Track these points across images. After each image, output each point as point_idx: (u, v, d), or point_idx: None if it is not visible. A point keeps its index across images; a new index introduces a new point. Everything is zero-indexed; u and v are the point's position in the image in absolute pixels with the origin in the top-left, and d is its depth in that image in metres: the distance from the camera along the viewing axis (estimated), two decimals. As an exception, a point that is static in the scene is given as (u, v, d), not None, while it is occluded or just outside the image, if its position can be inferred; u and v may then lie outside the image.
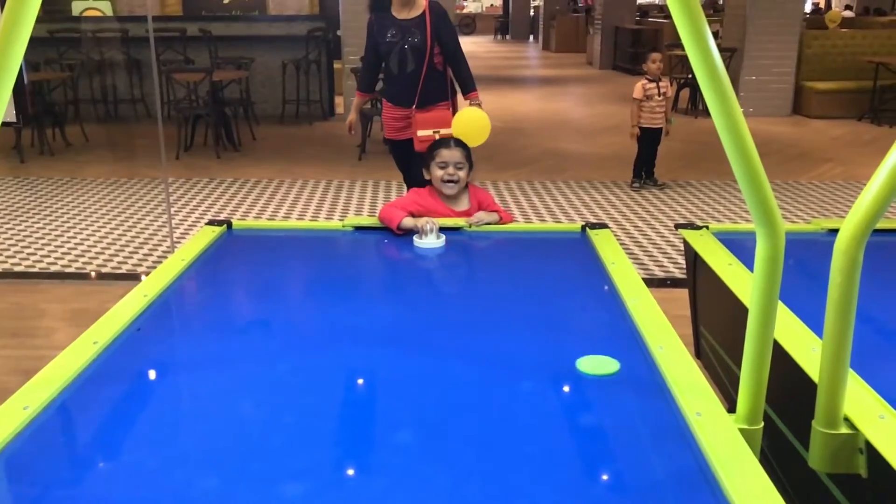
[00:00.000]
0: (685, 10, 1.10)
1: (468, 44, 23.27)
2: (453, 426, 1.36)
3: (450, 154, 2.67)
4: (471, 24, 28.57)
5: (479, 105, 4.01)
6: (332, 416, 1.42)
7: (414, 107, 4.07)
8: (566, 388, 1.55)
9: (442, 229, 2.41)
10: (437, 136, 3.49)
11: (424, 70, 3.99)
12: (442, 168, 2.67)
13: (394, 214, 2.46)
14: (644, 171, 6.14)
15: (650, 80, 5.85)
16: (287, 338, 1.76)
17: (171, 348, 1.71)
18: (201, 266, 2.15)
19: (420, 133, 3.93)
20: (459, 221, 2.53)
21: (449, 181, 2.67)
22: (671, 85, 6.08)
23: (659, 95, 5.86)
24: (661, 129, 5.97)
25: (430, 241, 2.34)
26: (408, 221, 2.43)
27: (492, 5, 31.11)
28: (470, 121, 3.50)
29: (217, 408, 1.45)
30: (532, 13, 25.90)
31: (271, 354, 1.66)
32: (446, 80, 4.16)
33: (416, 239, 2.36)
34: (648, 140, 6.01)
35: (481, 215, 2.57)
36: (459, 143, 2.75)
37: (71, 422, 1.42)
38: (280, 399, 1.47)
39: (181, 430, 1.38)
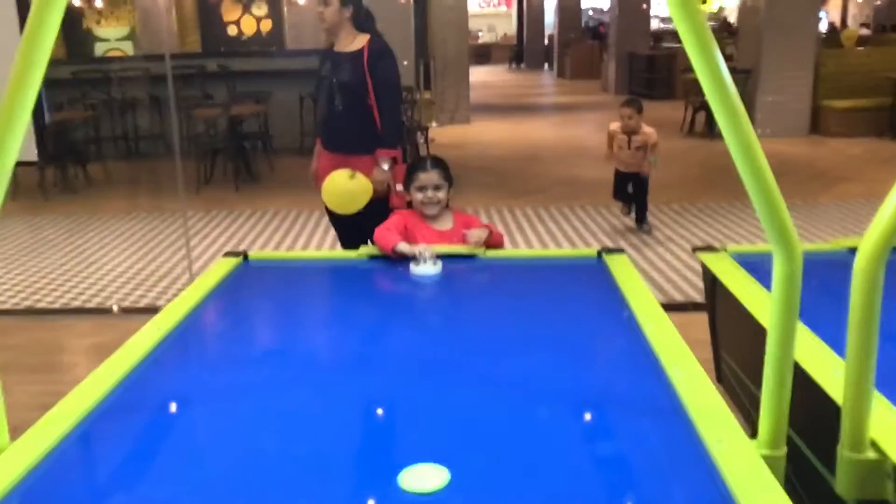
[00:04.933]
0: (694, 32, 1.09)
1: (483, 73, 23.62)
2: (470, 455, 1.34)
3: (427, 177, 2.69)
4: (486, 54, 28.83)
5: (386, 167, 3.44)
6: (348, 446, 1.40)
7: (332, 151, 3.57)
8: (585, 416, 1.53)
9: (458, 258, 2.40)
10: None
11: (355, 111, 3.47)
12: (421, 191, 2.68)
13: (388, 237, 2.47)
14: (637, 216, 5.62)
15: (624, 132, 5.35)
16: (302, 367, 1.75)
17: (186, 380, 1.71)
18: (217, 297, 2.16)
19: (400, 188, 3.36)
20: (476, 250, 2.51)
21: (429, 203, 2.68)
22: (650, 134, 5.28)
23: (629, 148, 5.34)
24: (635, 174, 5.43)
25: (427, 269, 2.34)
26: (403, 247, 2.43)
27: (506, 35, 31.38)
28: (333, 192, 3.36)
29: (232, 439, 1.44)
30: (546, 42, 26.08)
31: (286, 384, 1.65)
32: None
33: (412, 266, 2.36)
34: (625, 181, 5.52)
35: (476, 232, 2.54)
36: (436, 164, 2.77)
37: (85, 456, 1.41)
38: (296, 429, 1.46)
39: (196, 462, 1.37)
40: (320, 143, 3.69)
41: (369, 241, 2.80)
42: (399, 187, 3.39)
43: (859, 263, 1.27)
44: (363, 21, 3.53)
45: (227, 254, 2.47)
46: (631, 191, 5.54)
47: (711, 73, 1.12)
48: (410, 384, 1.64)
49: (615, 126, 5.36)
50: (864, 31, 15.75)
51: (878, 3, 21.11)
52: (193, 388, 1.68)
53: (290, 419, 1.50)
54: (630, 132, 5.30)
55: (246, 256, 2.47)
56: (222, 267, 2.35)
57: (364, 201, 3.43)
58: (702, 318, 2.79)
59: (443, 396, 1.57)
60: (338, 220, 3.70)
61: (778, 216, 1.22)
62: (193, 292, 2.12)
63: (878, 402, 1.43)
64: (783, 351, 1.32)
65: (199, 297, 2.09)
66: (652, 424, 1.44)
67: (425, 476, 1.24)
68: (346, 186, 3.41)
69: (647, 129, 5.30)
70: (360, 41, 3.48)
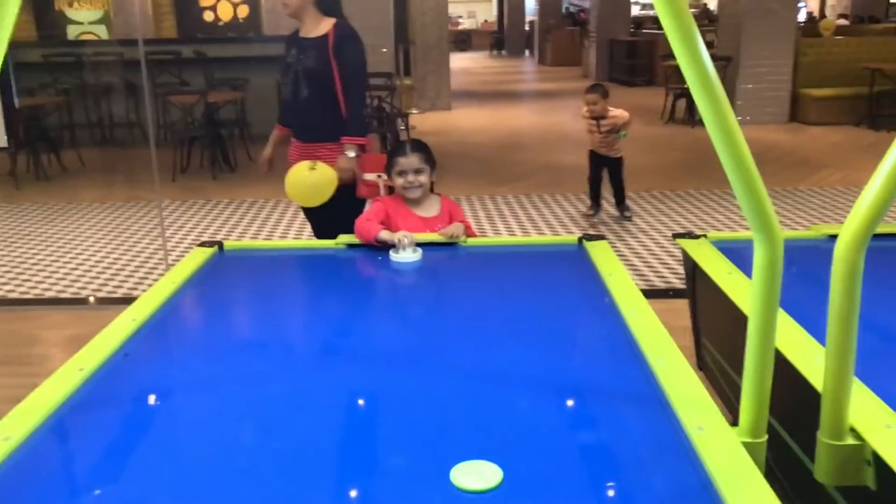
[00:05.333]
0: (675, 18, 1.07)
1: (464, 60, 23.52)
2: (450, 446, 1.32)
3: (407, 161, 2.66)
4: (466, 40, 28.73)
5: (351, 154, 3.34)
6: (324, 438, 1.38)
7: (300, 140, 3.49)
8: (566, 403, 1.51)
9: (440, 245, 2.37)
10: (383, 181, 3.21)
11: (321, 98, 3.39)
12: (402, 176, 2.65)
13: (369, 227, 2.45)
14: (615, 198, 5.58)
15: (592, 117, 5.32)
16: (278, 359, 1.72)
17: (159, 373, 1.68)
18: (191, 288, 2.12)
19: (368, 176, 3.35)
20: (435, 237, 2.48)
21: (410, 187, 2.65)
22: (619, 115, 5.25)
23: (599, 132, 5.30)
24: (609, 157, 5.40)
25: (407, 256, 2.32)
26: (385, 234, 2.41)
27: (486, 21, 31.27)
28: (295, 185, 3.31)
29: (206, 433, 1.41)
30: (527, 28, 26.02)
31: (261, 376, 1.62)
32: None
33: (391, 253, 2.34)
34: (599, 164, 5.48)
35: (451, 229, 2.51)
36: (417, 147, 2.73)
37: (54, 452, 1.38)
38: (271, 422, 1.43)
39: (169, 457, 1.34)
40: (290, 132, 3.59)
41: (344, 232, 2.75)
42: (367, 176, 3.32)
43: (839, 252, 1.26)
44: (328, 5, 3.42)
45: (202, 244, 2.42)
46: (606, 177, 5.51)
47: (694, 61, 1.10)
48: (389, 374, 1.62)
49: (585, 110, 5.37)
50: (842, 22, 15.87)
51: (856, -9, 21.24)
52: (167, 381, 1.65)
53: (267, 412, 1.48)
54: (598, 117, 5.27)
55: (221, 246, 2.43)
56: (197, 257, 2.31)
57: (329, 192, 3.36)
58: (683, 305, 2.79)
59: (423, 386, 1.55)
60: (310, 211, 3.62)
61: (759, 204, 1.21)
62: (167, 283, 2.08)
63: (858, 389, 1.42)
64: (764, 339, 1.31)
65: (173, 289, 2.05)
66: (633, 413, 1.43)
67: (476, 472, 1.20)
68: (308, 179, 3.34)
69: (616, 111, 5.28)
70: (326, 26, 3.37)
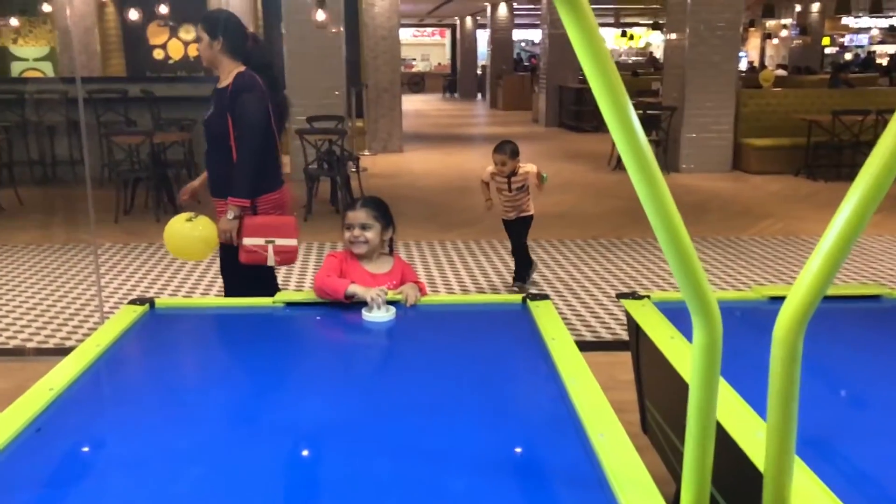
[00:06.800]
0: (610, 99, 1.05)
1: (417, 102, 23.69)
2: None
3: (354, 216, 2.61)
4: (420, 83, 29.06)
5: (230, 216, 3.14)
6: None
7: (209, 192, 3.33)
8: (505, 485, 1.45)
9: (388, 303, 2.32)
10: (273, 247, 3.12)
11: (217, 152, 3.25)
12: (348, 230, 2.61)
13: (336, 283, 2.36)
14: (515, 271, 5.17)
15: (501, 175, 4.85)
16: (204, 435, 1.63)
17: (73, 452, 1.56)
18: (118, 352, 2.01)
19: (247, 242, 3.14)
20: (396, 296, 2.43)
21: (355, 241, 2.59)
22: (530, 171, 4.80)
23: (510, 191, 4.86)
24: (517, 219, 4.99)
25: (381, 315, 2.25)
26: (355, 289, 2.33)
27: (440, 64, 31.73)
28: (169, 234, 3.18)
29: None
30: (479, 72, 26.44)
31: (183, 455, 1.52)
32: (267, 165, 3.27)
33: (364, 312, 2.27)
34: (514, 230, 5.07)
35: (412, 294, 2.43)
36: (367, 203, 2.67)
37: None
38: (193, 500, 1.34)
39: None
40: None
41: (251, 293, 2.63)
42: (247, 241, 3.13)
43: (779, 331, 1.24)
44: (239, 50, 3.20)
45: (133, 301, 2.32)
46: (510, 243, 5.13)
47: (628, 138, 1.08)
48: (323, 452, 1.54)
49: (490, 171, 4.89)
50: (781, 72, 16.50)
51: (793, 45, 22.22)
52: (81, 461, 1.54)
53: (186, 498, 1.38)
54: (508, 175, 4.83)
55: (153, 304, 2.33)
56: (126, 316, 2.20)
57: (203, 249, 3.20)
58: (629, 358, 2.77)
59: (355, 466, 1.47)
60: (222, 265, 3.42)
61: (696, 284, 1.18)
62: (91, 346, 1.97)
63: (800, 469, 1.40)
64: (704, 420, 1.28)
65: (97, 352, 1.94)
66: (570, 492, 1.38)
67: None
68: (181, 230, 3.20)
69: (527, 167, 4.86)
70: (231, 76, 3.19)
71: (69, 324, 4.49)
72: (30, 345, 4.18)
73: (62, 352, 4.05)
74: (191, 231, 3.18)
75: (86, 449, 1.60)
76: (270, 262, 3.16)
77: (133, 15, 11.32)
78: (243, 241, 3.15)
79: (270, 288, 3.31)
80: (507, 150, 4.82)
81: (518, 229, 5.06)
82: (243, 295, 2.51)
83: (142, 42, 13.32)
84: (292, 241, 3.19)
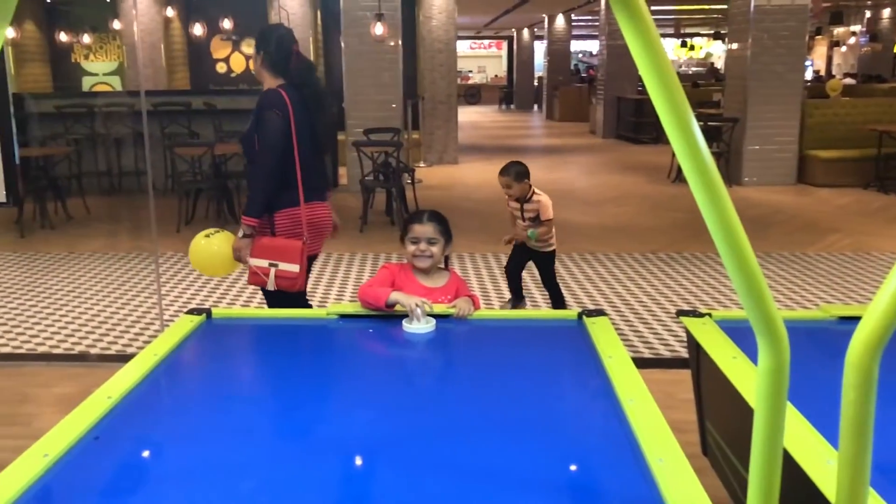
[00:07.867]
0: (671, 110, 1.01)
1: (473, 113, 23.74)
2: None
3: (422, 229, 2.60)
4: (476, 95, 29.12)
5: (241, 235, 3.09)
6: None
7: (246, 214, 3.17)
8: (558, 507, 1.41)
9: (441, 318, 2.29)
10: (275, 271, 3.04)
11: (250, 167, 3.24)
12: (414, 243, 2.59)
13: (376, 293, 2.36)
14: (552, 303, 4.64)
15: (515, 199, 4.38)
16: (259, 447, 1.63)
17: (129, 461, 1.58)
18: (174, 362, 2.04)
19: (253, 262, 3.07)
20: (450, 309, 2.40)
21: (420, 255, 2.57)
22: (542, 203, 4.32)
23: (523, 220, 4.35)
24: (537, 252, 4.48)
25: (421, 326, 2.23)
26: (397, 296, 2.32)
27: (496, 76, 31.75)
28: (192, 249, 3.13)
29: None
30: (536, 83, 26.36)
31: (239, 467, 1.52)
32: (289, 182, 3.12)
33: (405, 323, 2.25)
34: (522, 255, 4.60)
35: (464, 307, 2.40)
36: (433, 217, 2.66)
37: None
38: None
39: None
40: None
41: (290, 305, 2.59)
42: (252, 261, 3.06)
43: (852, 356, 1.17)
44: (279, 65, 3.15)
45: (190, 311, 2.35)
46: (537, 276, 4.67)
47: (688, 147, 1.03)
48: (368, 467, 1.52)
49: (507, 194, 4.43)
50: (849, 81, 15.97)
51: (863, 52, 21.51)
52: (139, 469, 1.56)
53: (246, 500, 1.38)
54: (521, 201, 4.32)
55: (210, 314, 2.35)
56: (183, 326, 2.23)
57: (221, 265, 3.17)
58: (689, 377, 2.68)
59: (408, 485, 1.45)
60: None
61: (762, 303, 1.12)
62: (149, 355, 2.00)
63: (874, 501, 1.32)
64: (770, 447, 1.21)
65: (154, 361, 1.96)
66: (630, 521, 1.33)
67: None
68: (201, 245, 3.17)
69: (539, 197, 4.32)
70: (267, 86, 3.17)
71: (130, 331, 4.60)
72: (93, 351, 4.30)
73: (123, 358, 4.16)
74: (207, 247, 3.17)
75: (141, 457, 1.62)
76: (270, 286, 3.07)
77: (198, 30, 11.66)
78: (249, 261, 3.10)
79: (299, 303, 3.26)
80: (511, 172, 4.27)
81: (539, 263, 4.55)
82: (278, 306, 2.48)
83: (205, 56, 13.71)
84: (294, 267, 3.06)
